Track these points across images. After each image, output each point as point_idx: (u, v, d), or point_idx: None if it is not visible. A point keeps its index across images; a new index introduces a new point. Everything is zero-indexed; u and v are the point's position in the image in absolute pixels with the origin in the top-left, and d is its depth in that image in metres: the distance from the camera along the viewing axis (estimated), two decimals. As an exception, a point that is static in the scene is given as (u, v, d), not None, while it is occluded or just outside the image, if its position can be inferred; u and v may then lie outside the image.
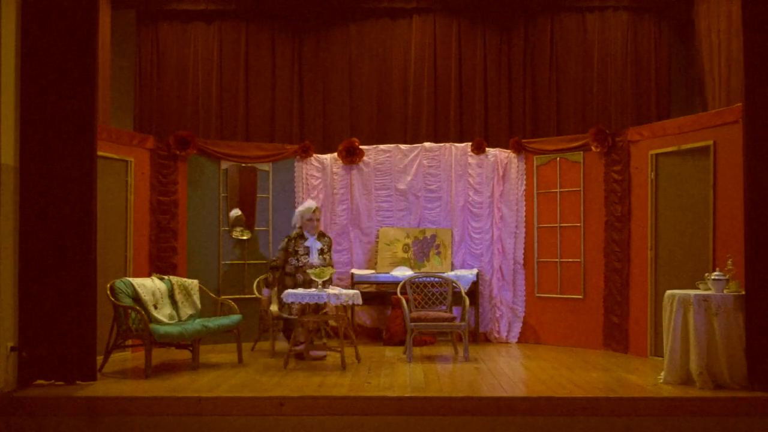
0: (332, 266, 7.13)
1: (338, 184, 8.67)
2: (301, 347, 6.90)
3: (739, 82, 7.59)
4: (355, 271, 8.28)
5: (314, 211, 7.28)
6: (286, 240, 7.28)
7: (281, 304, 7.14)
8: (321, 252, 7.29)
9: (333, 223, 8.64)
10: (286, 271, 7.18)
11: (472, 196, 8.54)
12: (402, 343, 7.75)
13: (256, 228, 8.48)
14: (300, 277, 7.06)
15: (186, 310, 7.00)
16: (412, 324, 7.05)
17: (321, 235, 7.39)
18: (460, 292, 7.44)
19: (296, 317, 7.01)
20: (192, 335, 6.52)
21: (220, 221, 8.31)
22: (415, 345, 7.73)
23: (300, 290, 6.85)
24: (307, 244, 7.22)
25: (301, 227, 7.33)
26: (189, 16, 9.26)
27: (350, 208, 8.64)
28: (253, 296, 7.79)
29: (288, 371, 6.45)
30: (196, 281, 7.23)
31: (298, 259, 7.17)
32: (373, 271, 8.34)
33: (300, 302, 6.83)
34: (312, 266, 7.14)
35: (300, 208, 7.37)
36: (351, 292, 6.84)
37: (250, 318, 7.91)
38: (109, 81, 8.44)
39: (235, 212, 7.80)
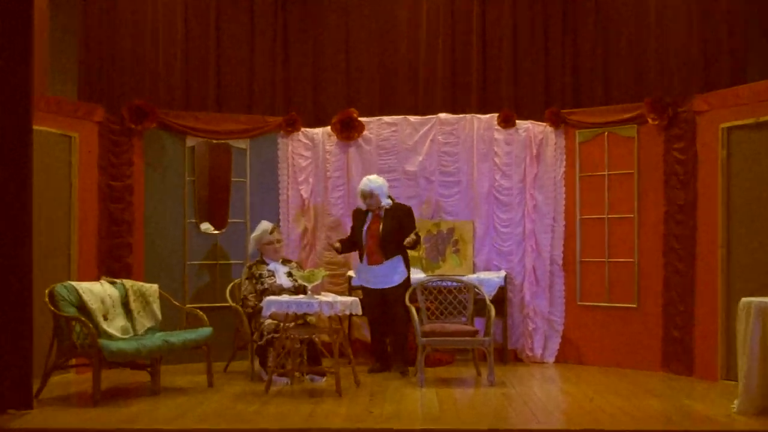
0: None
1: (332, 165, 8.66)
2: (283, 380, 6.98)
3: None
4: (353, 273, 8.26)
5: (271, 233, 7.65)
6: (246, 269, 7.63)
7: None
8: (289, 275, 7.52)
9: (326, 214, 8.64)
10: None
11: (499, 180, 8.53)
12: (411, 362, 7.73)
13: (230, 220, 8.46)
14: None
15: (143, 322, 7.01)
16: (425, 339, 7.02)
17: (286, 261, 7.78)
18: (483, 300, 7.44)
19: (272, 336, 7.11)
20: (151, 352, 6.52)
21: (186, 211, 8.30)
22: (428, 365, 7.68)
23: (285, 297, 6.85)
24: (269, 268, 7.57)
25: (260, 255, 7.70)
26: (147, -41, 9.20)
27: (347, 194, 8.64)
28: (226, 304, 7.78)
29: (270, 397, 6.48)
30: (155, 286, 7.24)
31: (262, 283, 7.42)
32: (375, 274, 8.35)
33: (279, 315, 6.93)
34: (282, 288, 7.36)
35: (255, 233, 7.75)
36: (348, 299, 6.83)
37: (223, 332, 7.91)
38: (47, 42, 8.39)
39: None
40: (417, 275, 8.15)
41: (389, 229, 7.60)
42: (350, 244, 7.83)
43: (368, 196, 7.65)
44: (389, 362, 7.75)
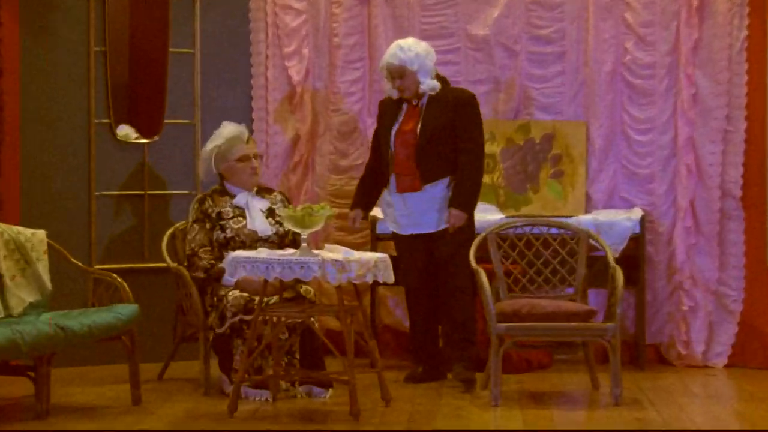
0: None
1: (343, 26, 8.77)
2: (259, 393, 7.06)
3: None
4: (379, 213, 8.18)
5: (242, 139, 7.70)
6: (196, 205, 7.70)
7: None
8: (270, 214, 7.55)
9: (332, 111, 8.68)
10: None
11: (633, 50, 8.57)
12: (480, 365, 7.67)
13: (167, 120, 8.49)
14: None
15: (21, 295, 7.04)
16: (503, 326, 7.00)
17: (264, 191, 7.87)
18: (604, 259, 7.43)
19: (240, 319, 7.14)
20: (36, 345, 6.47)
21: (92, 107, 8.31)
22: (507, 371, 7.71)
23: (263, 251, 6.83)
24: (236, 201, 7.65)
25: (221, 180, 7.76)
26: None
27: (368, 76, 8.75)
28: (162, 265, 7.79)
29: (238, 423, 6.52)
30: (42, 233, 7.24)
31: (223, 227, 7.46)
32: (416, 214, 8.33)
33: (252, 283, 7.03)
34: (257, 237, 7.41)
35: (211, 143, 7.76)
36: (370, 256, 6.79)
37: (157, 312, 7.95)
38: None
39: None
40: (490, 215, 8.14)
41: (433, 130, 7.49)
42: (374, 175, 7.76)
43: (397, 73, 7.55)
44: (441, 365, 7.74)
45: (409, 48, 7.50)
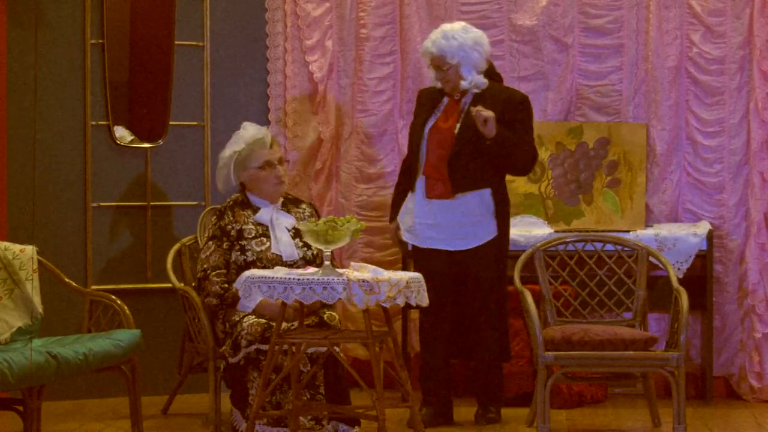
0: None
1: (371, 15, 8.77)
2: None
3: None
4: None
5: (266, 143, 7.61)
6: (213, 220, 7.60)
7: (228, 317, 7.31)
8: (298, 234, 7.38)
9: (359, 111, 8.69)
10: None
11: (700, 43, 8.55)
12: (526, 398, 7.71)
13: (173, 122, 8.51)
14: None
15: (8, 319, 7.05)
16: (551, 355, 6.99)
17: (292, 203, 7.73)
18: (666, 280, 7.41)
19: (256, 348, 7.09)
20: (24, 376, 6.43)
21: (88, 107, 8.34)
22: (557, 406, 7.76)
23: (280, 272, 6.78)
24: (259, 217, 7.51)
25: (241, 189, 7.66)
26: None
27: (400, 73, 8.76)
28: (167, 286, 7.84)
29: None
30: (31, 249, 7.23)
31: (244, 249, 7.39)
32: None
33: (269, 307, 7.01)
34: (280, 260, 7.31)
35: (232, 147, 7.63)
36: (402, 276, 6.74)
37: (161, 339, 8.02)
38: None
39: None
40: (537, 230, 8.18)
41: (475, 131, 7.31)
42: (412, 177, 7.63)
43: (439, 63, 7.40)
44: (451, 409, 7.64)
45: (454, 36, 7.33)
